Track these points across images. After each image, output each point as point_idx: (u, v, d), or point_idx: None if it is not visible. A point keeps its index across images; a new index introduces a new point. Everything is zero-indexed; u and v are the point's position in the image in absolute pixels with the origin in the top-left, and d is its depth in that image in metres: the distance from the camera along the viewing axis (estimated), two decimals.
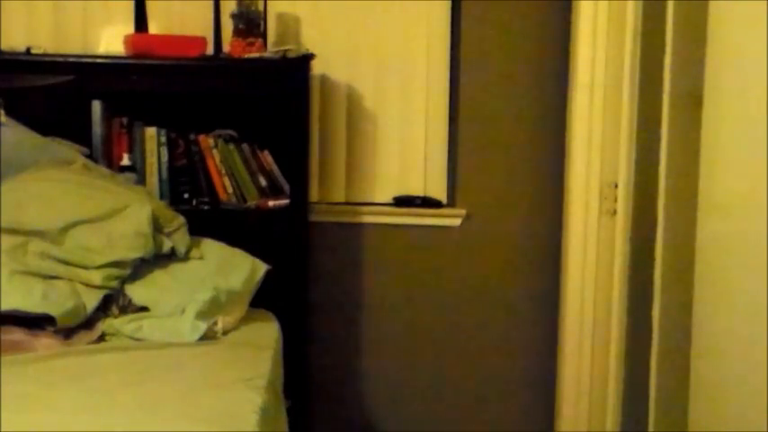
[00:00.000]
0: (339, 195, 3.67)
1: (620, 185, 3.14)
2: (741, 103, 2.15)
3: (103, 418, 2.11)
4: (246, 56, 3.29)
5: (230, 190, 3.37)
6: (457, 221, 3.65)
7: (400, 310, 3.71)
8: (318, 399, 3.61)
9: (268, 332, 2.97)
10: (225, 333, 2.83)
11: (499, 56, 3.57)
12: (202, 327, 2.74)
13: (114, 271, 2.86)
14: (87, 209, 2.95)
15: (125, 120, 3.34)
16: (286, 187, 3.38)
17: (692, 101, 2.35)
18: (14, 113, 3.20)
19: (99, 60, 3.34)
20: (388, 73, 3.64)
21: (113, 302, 2.87)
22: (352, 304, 3.71)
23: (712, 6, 2.29)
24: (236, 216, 3.36)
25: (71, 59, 3.29)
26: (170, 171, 3.35)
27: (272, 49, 3.36)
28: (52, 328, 2.70)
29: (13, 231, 2.85)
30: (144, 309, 2.87)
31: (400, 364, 3.74)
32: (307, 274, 3.42)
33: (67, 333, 2.73)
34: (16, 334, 2.65)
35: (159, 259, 2.96)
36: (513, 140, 3.62)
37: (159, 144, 3.34)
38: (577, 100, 3.32)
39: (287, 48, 3.33)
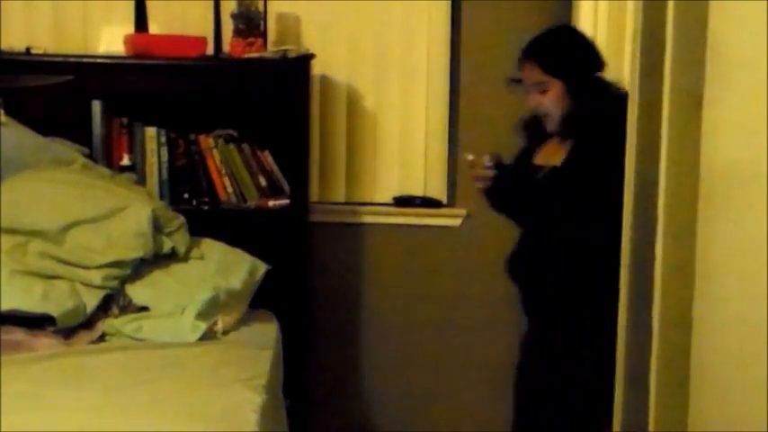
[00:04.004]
0: (339, 195, 3.67)
1: None
2: (741, 103, 2.14)
3: (103, 418, 2.11)
4: (246, 56, 3.29)
5: (230, 190, 3.37)
6: (457, 221, 3.65)
7: (400, 310, 3.71)
8: (318, 399, 3.61)
9: (268, 332, 2.97)
10: (225, 333, 2.83)
11: (499, 56, 3.56)
12: (202, 327, 2.75)
13: (114, 271, 2.86)
14: (87, 209, 2.95)
15: (125, 120, 3.34)
16: (286, 187, 3.38)
17: (691, 101, 2.35)
18: (14, 113, 3.20)
19: (99, 60, 3.34)
20: (388, 73, 3.63)
21: (113, 302, 2.87)
22: (352, 304, 3.71)
23: (712, 6, 2.29)
24: (236, 216, 3.36)
25: (71, 59, 3.30)
26: (170, 171, 3.35)
27: (272, 49, 3.36)
28: (52, 328, 2.71)
29: (13, 231, 2.86)
30: (144, 309, 2.87)
31: (400, 363, 3.73)
32: (307, 275, 3.42)
33: (67, 333, 2.73)
34: (16, 334, 2.65)
35: (159, 259, 2.96)
36: (513, 141, 3.61)
37: (159, 144, 3.34)
38: None
39: (287, 48, 3.33)
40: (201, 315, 2.79)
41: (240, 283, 3.00)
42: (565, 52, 2.70)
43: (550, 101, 2.65)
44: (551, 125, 2.70)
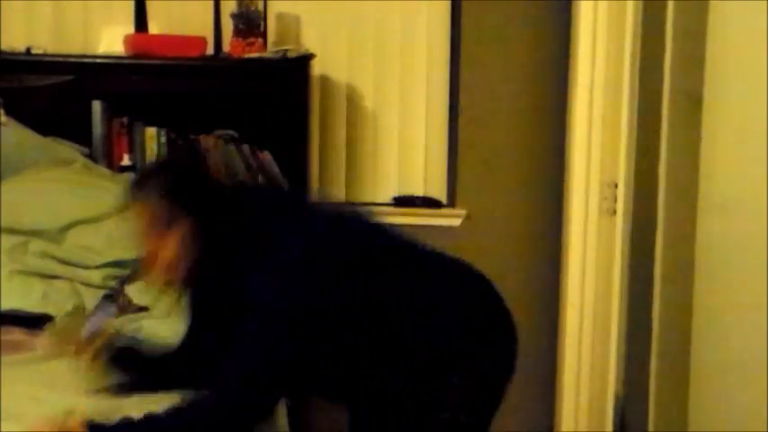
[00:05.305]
0: (339, 195, 3.67)
1: (620, 185, 3.14)
2: (741, 103, 2.15)
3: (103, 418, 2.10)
4: (246, 56, 3.29)
5: None
6: (457, 221, 3.65)
7: None
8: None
9: None
10: None
11: (499, 56, 3.57)
12: None
13: (114, 271, 2.86)
14: (87, 209, 2.95)
15: (125, 120, 3.33)
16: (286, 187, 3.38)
17: (691, 101, 2.35)
18: (14, 113, 3.20)
19: (99, 60, 3.34)
20: (388, 73, 3.64)
21: (113, 302, 2.87)
22: None
23: (712, 6, 2.29)
24: None
25: (71, 59, 3.30)
26: None
27: (272, 49, 3.36)
28: None
29: (13, 231, 2.85)
30: (144, 309, 2.87)
31: None
32: None
33: None
34: (16, 334, 2.65)
35: None
36: (513, 140, 3.61)
37: (159, 144, 3.34)
38: (577, 100, 3.31)
39: (287, 48, 3.33)
40: None
41: None
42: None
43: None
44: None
